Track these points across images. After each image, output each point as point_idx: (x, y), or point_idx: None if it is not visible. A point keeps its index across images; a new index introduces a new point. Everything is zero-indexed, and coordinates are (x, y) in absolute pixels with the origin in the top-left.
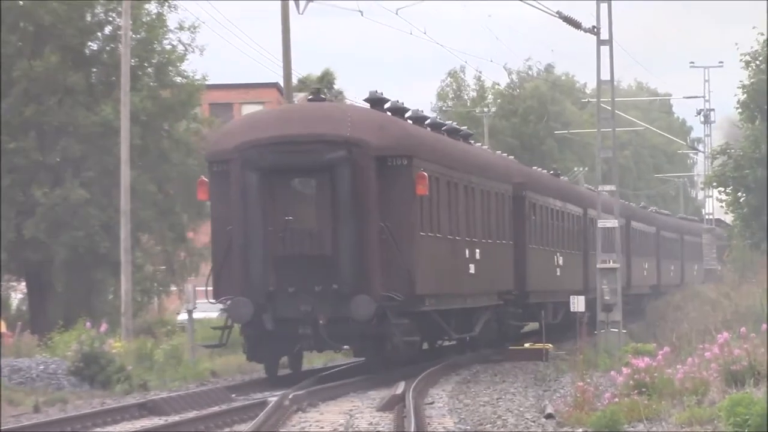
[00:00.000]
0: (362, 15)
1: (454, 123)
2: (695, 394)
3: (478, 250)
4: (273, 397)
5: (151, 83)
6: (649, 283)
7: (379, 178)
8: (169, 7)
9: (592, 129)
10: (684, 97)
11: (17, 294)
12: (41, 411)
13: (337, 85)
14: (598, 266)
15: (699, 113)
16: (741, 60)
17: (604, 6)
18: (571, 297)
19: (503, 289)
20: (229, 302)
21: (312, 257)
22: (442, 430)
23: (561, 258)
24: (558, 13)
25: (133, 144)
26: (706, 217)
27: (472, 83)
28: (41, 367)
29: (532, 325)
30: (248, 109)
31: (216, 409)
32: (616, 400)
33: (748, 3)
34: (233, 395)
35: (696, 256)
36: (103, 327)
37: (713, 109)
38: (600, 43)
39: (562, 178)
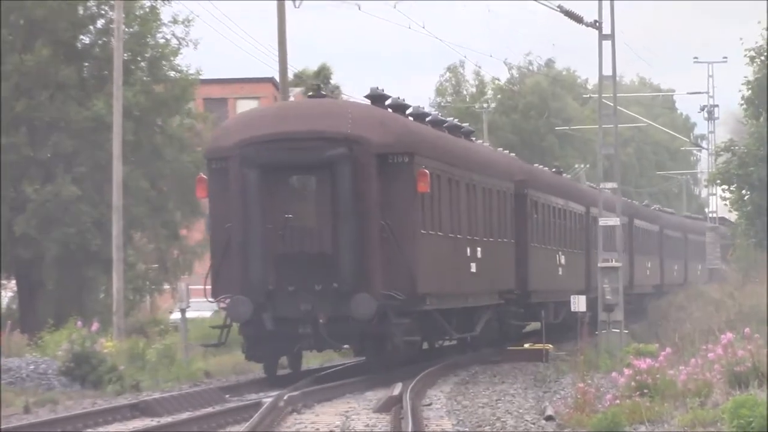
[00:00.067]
0: (360, 9)
1: (455, 119)
2: (698, 395)
3: (479, 249)
4: (268, 398)
5: (144, 78)
6: (652, 283)
7: (379, 175)
8: (163, 0)
9: (593, 125)
10: (687, 93)
11: (7, 292)
12: (31, 412)
13: (334, 80)
14: (599, 265)
15: (702, 109)
16: (745, 55)
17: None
18: (571, 297)
19: (504, 289)
20: (227, 301)
21: (312, 255)
22: None
23: (563, 257)
24: (559, 7)
25: (126, 139)
26: (710, 215)
27: (472, 78)
28: (31, 366)
29: (534, 325)
30: (243, 104)
31: (209, 410)
32: (618, 401)
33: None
34: (227, 396)
35: (700, 255)
36: (95, 326)
37: (717, 106)
38: (602, 37)
39: (564, 175)
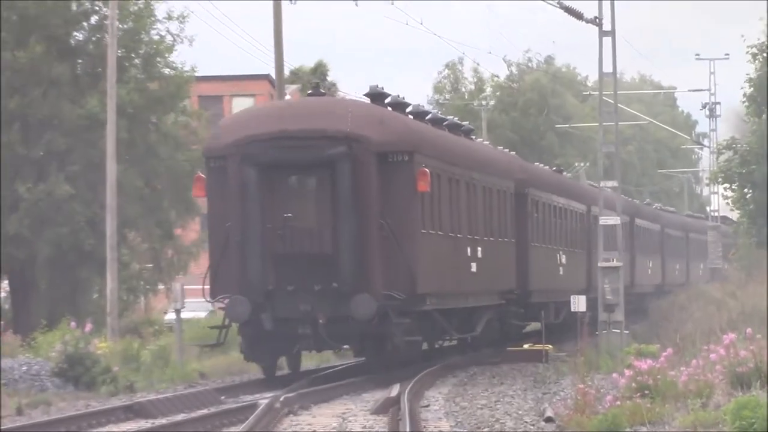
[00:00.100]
0: (357, 5)
1: (455, 118)
2: (700, 397)
3: (479, 248)
4: (264, 400)
5: (139, 75)
6: (653, 282)
7: (379, 174)
8: None
9: (593, 123)
10: (689, 90)
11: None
12: (24, 413)
13: (331, 77)
14: (599, 265)
15: (704, 107)
16: (747, 52)
17: None
18: (571, 297)
19: (505, 288)
20: (226, 301)
21: (311, 255)
22: None
23: (564, 256)
24: (559, 3)
25: (120, 138)
26: (711, 214)
27: (470, 76)
28: (24, 368)
29: (534, 325)
30: (239, 102)
31: (204, 411)
32: (618, 403)
33: None
34: (222, 397)
35: (701, 255)
36: (88, 327)
37: (719, 103)
38: (602, 34)
39: (564, 174)
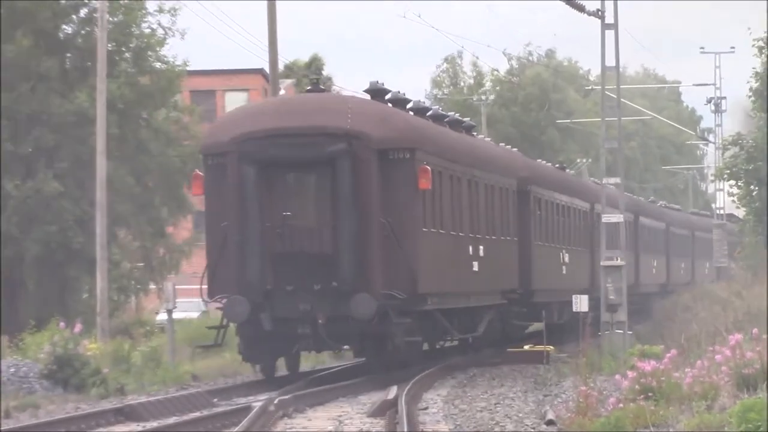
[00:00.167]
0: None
1: (456, 114)
2: (705, 399)
3: (481, 247)
4: (258, 402)
5: (129, 69)
6: (657, 282)
7: (380, 172)
8: None
9: (596, 118)
10: (694, 85)
11: None
12: (12, 416)
13: (326, 71)
14: (602, 264)
15: (709, 101)
16: (754, 46)
17: None
18: (573, 296)
19: (507, 288)
20: (224, 301)
21: (311, 254)
22: None
23: (567, 255)
24: None
25: (110, 133)
26: (717, 211)
27: (469, 70)
28: (12, 369)
29: (537, 325)
30: (232, 97)
31: (197, 414)
32: (621, 405)
33: None
34: (215, 400)
35: (707, 253)
36: (78, 327)
37: (724, 97)
38: (605, 27)
39: (567, 171)
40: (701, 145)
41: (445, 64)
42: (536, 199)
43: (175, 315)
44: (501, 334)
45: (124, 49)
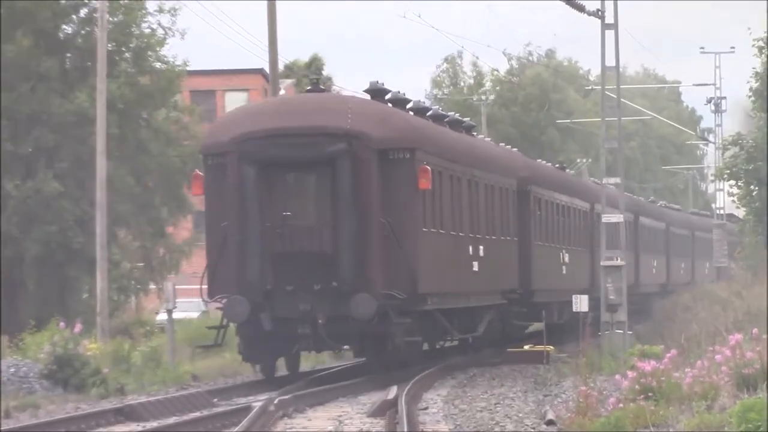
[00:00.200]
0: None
1: (456, 114)
2: (705, 399)
3: (481, 247)
4: (257, 402)
5: (129, 69)
6: (658, 282)
7: (380, 172)
8: None
9: (596, 118)
10: (694, 85)
11: None
12: (12, 416)
13: (326, 71)
14: (602, 264)
15: (709, 101)
16: (754, 46)
17: None
18: (573, 296)
19: (507, 288)
20: (224, 301)
21: (311, 254)
22: None
23: (567, 255)
24: None
25: (110, 133)
26: (717, 211)
27: (469, 70)
28: (12, 369)
29: (538, 326)
30: (232, 97)
31: (197, 414)
32: (621, 405)
33: None
34: (215, 400)
35: (707, 253)
36: (78, 327)
37: (725, 97)
38: (605, 27)
39: (567, 171)
40: (701, 145)
41: (445, 64)
42: (536, 199)
43: (175, 315)
44: (501, 334)
45: (124, 49)
